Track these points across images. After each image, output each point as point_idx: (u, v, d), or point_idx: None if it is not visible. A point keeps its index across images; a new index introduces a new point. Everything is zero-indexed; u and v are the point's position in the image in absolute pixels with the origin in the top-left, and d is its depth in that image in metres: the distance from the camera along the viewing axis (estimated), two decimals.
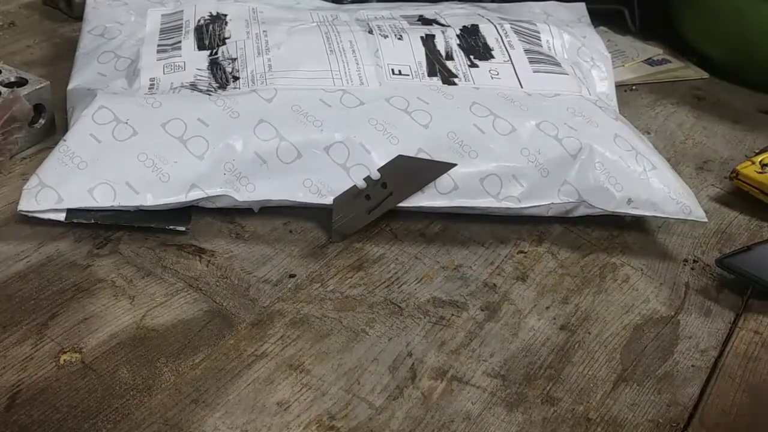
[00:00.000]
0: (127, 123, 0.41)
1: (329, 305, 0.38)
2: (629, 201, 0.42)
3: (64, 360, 0.33)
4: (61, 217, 0.39)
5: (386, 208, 0.41)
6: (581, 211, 0.43)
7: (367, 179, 0.40)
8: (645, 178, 0.42)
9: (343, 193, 0.41)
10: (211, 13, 0.49)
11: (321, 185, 0.41)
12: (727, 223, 0.47)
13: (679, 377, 0.36)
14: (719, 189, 0.50)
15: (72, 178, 0.39)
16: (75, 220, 0.39)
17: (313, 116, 0.42)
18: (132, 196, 0.39)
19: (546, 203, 0.43)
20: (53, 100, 0.47)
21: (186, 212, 0.41)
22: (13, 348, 0.34)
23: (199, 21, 0.49)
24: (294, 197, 0.41)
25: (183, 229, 0.40)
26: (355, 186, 0.41)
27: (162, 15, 0.50)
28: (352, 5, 0.54)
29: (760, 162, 0.48)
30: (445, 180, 0.41)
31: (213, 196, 0.40)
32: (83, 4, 0.59)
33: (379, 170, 0.40)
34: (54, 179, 0.39)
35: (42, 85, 0.45)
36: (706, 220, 0.44)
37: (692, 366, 0.37)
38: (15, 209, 0.40)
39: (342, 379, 0.34)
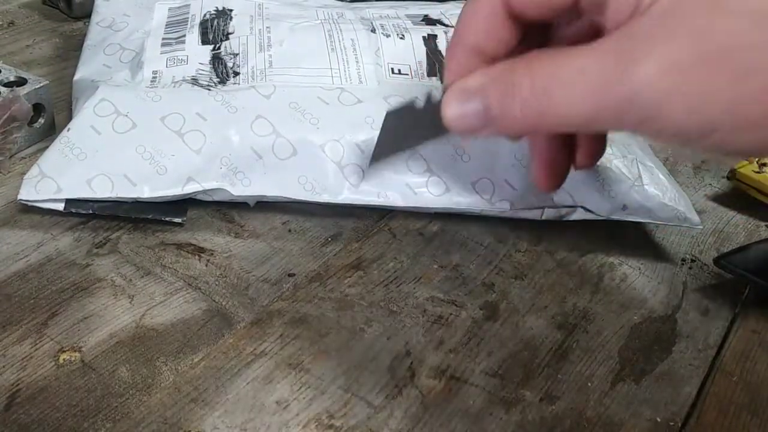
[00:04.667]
0: (127, 116, 0.41)
1: (328, 304, 0.38)
2: (624, 207, 0.42)
3: (64, 359, 0.33)
4: (60, 206, 0.40)
5: (436, 135, 0.34)
6: (576, 216, 0.43)
7: (429, 96, 0.34)
8: (639, 185, 0.42)
9: (398, 107, 0.35)
10: (217, 7, 0.50)
11: (315, 183, 0.41)
12: (725, 223, 0.47)
13: (677, 376, 0.36)
14: (717, 188, 0.50)
15: (71, 169, 0.40)
16: (73, 210, 0.40)
17: (311, 114, 0.42)
18: (129, 188, 0.40)
19: (539, 207, 0.43)
20: (53, 99, 0.47)
21: (182, 205, 0.41)
22: (13, 347, 0.34)
23: (204, 15, 0.49)
24: (289, 193, 0.41)
25: (179, 221, 0.41)
26: (414, 101, 0.34)
27: (169, 9, 0.50)
28: (358, 3, 0.55)
29: (757, 161, 0.48)
30: (436, 182, 0.42)
31: (209, 190, 0.41)
32: (83, 4, 0.59)
33: (443, 89, 0.33)
34: (54, 169, 0.40)
35: (41, 84, 0.45)
36: (700, 226, 0.44)
37: (690, 365, 0.37)
38: (14, 209, 0.40)
39: (341, 378, 0.34)
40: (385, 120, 0.35)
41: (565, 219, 0.43)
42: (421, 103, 0.34)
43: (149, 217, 0.40)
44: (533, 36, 0.35)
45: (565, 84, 0.29)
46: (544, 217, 0.43)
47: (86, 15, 0.58)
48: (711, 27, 0.26)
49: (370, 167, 0.39)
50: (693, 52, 0.27)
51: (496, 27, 0.33)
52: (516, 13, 0.33)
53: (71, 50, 0.55)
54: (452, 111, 0.32)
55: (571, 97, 0.29)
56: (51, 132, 0.47)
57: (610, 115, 0.29)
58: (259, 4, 0.50)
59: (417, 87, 0.45)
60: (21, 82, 0.45)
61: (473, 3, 0.33)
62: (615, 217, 0.43)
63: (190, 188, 0.40)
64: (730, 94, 0.27)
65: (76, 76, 0.47)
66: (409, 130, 0.35)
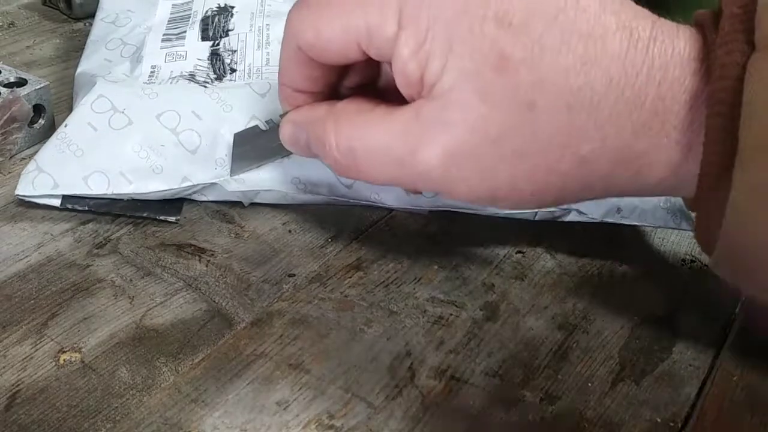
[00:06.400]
0: (123, 113, 0.41)
1: (328, 305, 0.38)
2: (618, 210, 0.42)
3: (64, 359, 0.33)
4: (57, 202, 0.40)
5: (282, 153, 0.40)
6: (570, 218, 0.43)
7: (269, 122, 0.41)
8: None
9: (245, 129, 0.41)
10: (219, 4, 0.50)
11: (309, 181, 0.41)
12: None
13: (677, 376, 0.36)
14: None
15: (68, 165, 0.40)
16: (70, 206, 0.40)
17: None
18: (125, 185, 0.40)
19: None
20: (53, 100, 0.47)
21: (177, 204, 0.41)
22: (13, 347, 0.34)
23: (206, 12, 0.49)
24: (283, 190, 0.41)
25: (173, 219, 0.41)
26: (257, 126, 0.41)
27: (172, 5, 0.51)
28: None
29: None
30: None
31: (204, 188, 0.41)
32: (83, 5, 0.59)
33: (281, 116, 0.40)
34: (51, 165, 0.40)
35: (42, 85, 0.45)
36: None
37: (690, 365, 0.37)
38: (15, 209, 0.40)
39: (341, 379, 0.34)
40: (234, 141, 0.41)
41: (559, 220, 0.43)
42: (264, 126, 0.40)
43: (144, 215, 0.41)
44: (361, 67, 0.35)
45: (365, 152, 0.32)
46: (537, 218, 0.43)
47: (86, 16, 0.58)
48: (485, 119, 0.29)
49: (231, 176, 0.41)
50: (470, 143, 0.29)
51: (301, 70, 0.35)
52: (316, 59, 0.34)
53: (72, 51, 0.55)
54: (285, 137, 0.37)
55: (373, 166, 0.32)
56: (51, 133, 0.47)
57: (408, 185, 0.32)
58: (261, 2, 0.51)
59: None
60: (21, 82, 0.45)
61: (282, 48, 0.36)
62: (609, 219, 0.43)
63: (185, 186, 0.40)
64: (505, 177, 0.30)
65: (78, 70, 0.48)
66: (258, 148, 0.41)
